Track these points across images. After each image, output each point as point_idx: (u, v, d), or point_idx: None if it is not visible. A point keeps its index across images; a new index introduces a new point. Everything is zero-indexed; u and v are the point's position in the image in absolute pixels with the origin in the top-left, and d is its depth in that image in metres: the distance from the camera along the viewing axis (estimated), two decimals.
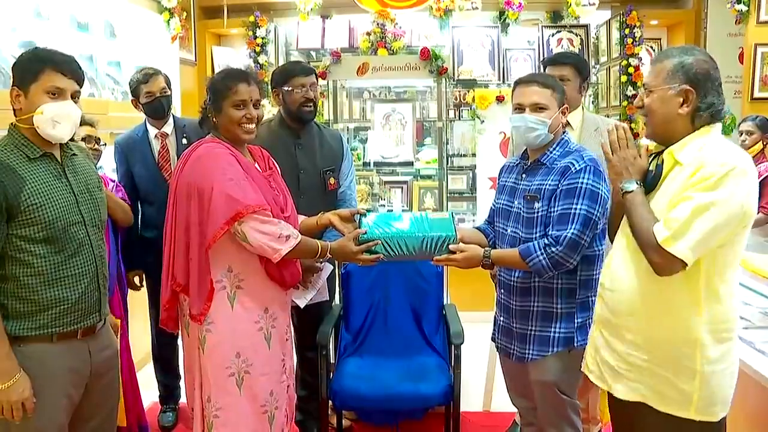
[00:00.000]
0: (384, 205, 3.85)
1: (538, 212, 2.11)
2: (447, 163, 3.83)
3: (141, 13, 4.30)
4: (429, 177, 4.06)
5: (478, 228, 2.46)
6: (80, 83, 1.94)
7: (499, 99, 3.73)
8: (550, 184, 2.11)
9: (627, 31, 4.61)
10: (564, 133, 2.22)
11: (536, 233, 2.10)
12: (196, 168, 2.02)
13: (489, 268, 2.18)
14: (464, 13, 4.61)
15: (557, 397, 2.17)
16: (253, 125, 2.11)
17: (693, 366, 1.67)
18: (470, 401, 3.42)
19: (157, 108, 3.00)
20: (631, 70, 4.58)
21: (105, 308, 2.05)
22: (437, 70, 3.28)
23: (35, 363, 1.86)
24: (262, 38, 4.94)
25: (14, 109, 1.90)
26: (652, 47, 5.27)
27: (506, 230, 2.22)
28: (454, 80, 4.78)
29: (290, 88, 2.64)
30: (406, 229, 2.15)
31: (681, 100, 1.68)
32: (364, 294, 3.16)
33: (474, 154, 4.08)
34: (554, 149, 2.16)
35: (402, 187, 3.98)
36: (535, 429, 2.40)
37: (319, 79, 3.48)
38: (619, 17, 4.72)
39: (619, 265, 1.79)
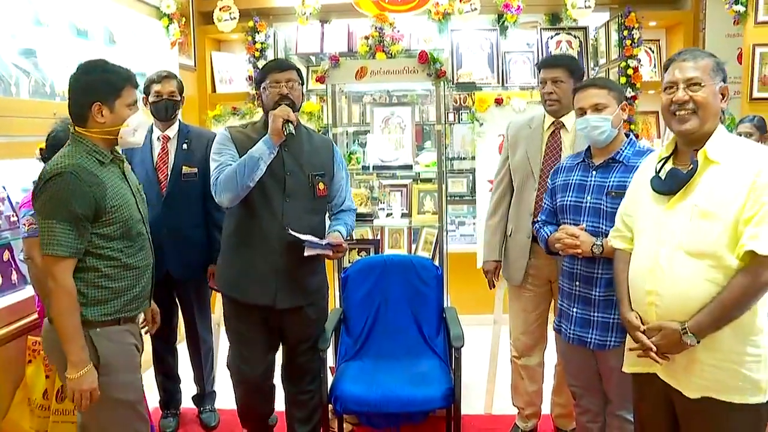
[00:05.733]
0: (384, 209, 3.85)
1: None
2: (446, 166, 3.83)
3: (140, 20, 4.31)
4: (429, 180, 4.06)
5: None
6: None
7: (498, 102, 3.73)
8: None
9: (626, 32, 4.59)
10: (629, 134, 2.36)
11: None
12: None
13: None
14: (463, 15, 4.61)
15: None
16: None
17: (759, 352, 1.75)
18: (471, 404, 3.42)
19: (160, 109, 3.06)
20: (630, 71, 4.56)
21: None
22: (436, 74, 3.27)
23: (115, 344, 2.08)
24: (262, 43, 4.95)
25: (79, 120, 2.04)
26: (651, 48, 5.26)
27: (579, 224, 2.30)
28: (453, 83, 4.79)
29: (266, 86, 2.53)
30: None
31: (721, 96, 1.82)
32: (364, 298, 3.17)
33: (473, 157, 4.09)
34: (626, 148, 2.32)
35: (402, 191, 3.98)
36: (591, 416, 2.49)
37: (318, 83, 3.50)
38: (617, 19, 4.72)
39: (672, 272, 1.80)
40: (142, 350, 2.24)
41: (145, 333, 2.39)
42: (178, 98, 3.11)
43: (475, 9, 4.60)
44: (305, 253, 2.43)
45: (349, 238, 2.70)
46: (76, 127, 2.06)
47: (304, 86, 2.67)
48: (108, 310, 2.05)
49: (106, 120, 2.04)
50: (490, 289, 3.11)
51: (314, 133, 2.72)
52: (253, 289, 2.53)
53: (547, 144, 2.84)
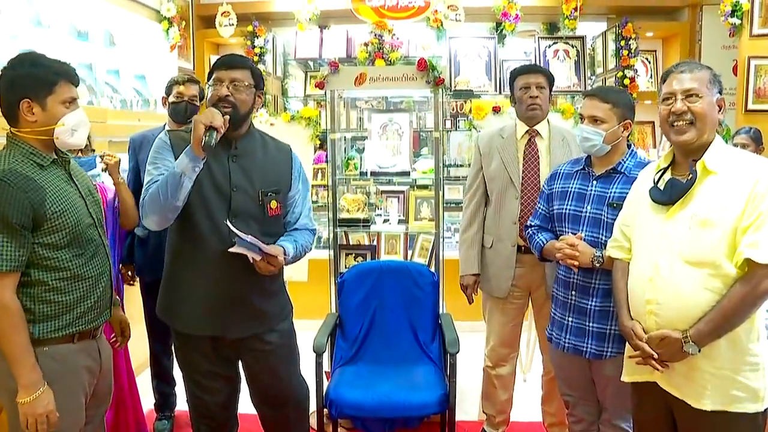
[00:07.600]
0: (380, 215, 3.86)
1: None
2: (443, 173, 3.84)
3: (140, 22, 4.33)
4: (425, 187, 4.08)
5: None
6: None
7: (495, 110, 3.75)
8: None
9: (622, 42, 4.64)
10: (630, 145, 2.36)
11: None
12: None
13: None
14: (461, 24, 4.64)
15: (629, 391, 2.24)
16: None
17: (757, 360, 1.78)
18: (466, 410, 3.44)
19: (178, 110, 3.09)
20: (626, 81, 4.60)
21: (112, 305, 2.11)
22: (434, 81, 3.29)
23: (60, 364, 1.89)
24: (261, 48, 4.97)
25: (11, 119, 1.88)
26: (647, 59, 5.30)
27: (577, 233, 2.29)
28: (450, 90, 4.81)
29: (210, 85, 2.21)
30: None
31: (718, 107, 1.84)
32: (360, 303, 3.18)
33: (470, 165, 4.10)
34: (628, 159, 2.31)
35: (398, 197, 4.00)
36: (585, 425, 2.49)
37: (316, 89, 3.51)
38: (614, 29, 4.76)
39: (672, 281, 1.81)
40: (104, 371, 2.06)
41: (117, 347, 2.30)
42: (198, 103, 3.15)
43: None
44: (230, 249, 2.06)
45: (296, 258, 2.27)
46: (11, 128, 1.88)
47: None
48: (58, 325, 1.87)
49: (38, 119, 1.85)
50: (469, 304, 3.06)
51: (271, 139, 2.36)
52: (197, 319, 2.22)
53: (524, 153, 2.85)
